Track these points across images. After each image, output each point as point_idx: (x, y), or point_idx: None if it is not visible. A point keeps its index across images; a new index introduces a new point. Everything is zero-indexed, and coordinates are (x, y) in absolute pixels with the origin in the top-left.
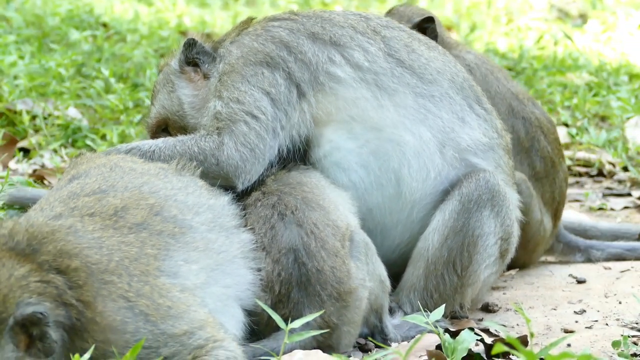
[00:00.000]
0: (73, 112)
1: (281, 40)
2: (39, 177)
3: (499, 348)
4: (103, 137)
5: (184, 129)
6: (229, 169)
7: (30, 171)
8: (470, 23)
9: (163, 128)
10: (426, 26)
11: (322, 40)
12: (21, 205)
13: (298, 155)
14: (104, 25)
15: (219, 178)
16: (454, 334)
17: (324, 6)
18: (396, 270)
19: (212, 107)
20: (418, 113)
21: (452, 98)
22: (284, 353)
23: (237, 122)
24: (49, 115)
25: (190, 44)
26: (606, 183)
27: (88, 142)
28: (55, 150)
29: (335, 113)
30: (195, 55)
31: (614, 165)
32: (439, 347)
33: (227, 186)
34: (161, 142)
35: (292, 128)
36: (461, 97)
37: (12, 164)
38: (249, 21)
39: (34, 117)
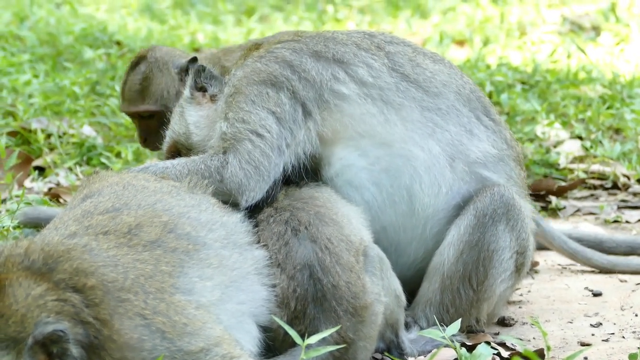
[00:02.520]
0: (88, 130)
1: (284, 59)
2: (54, 196)
3: None
4: (118, 155)
5: (190, 150)
6: (232, 185)
7: (45, 189)
8: (483, 37)
9: (176, 155)
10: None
11: (325, 58)
12: (36, 224)
13: (303, 174)
14: (118, 43)
15: (223, 195)
16: (470, 348)
17: (336, 22)
18: (412, 287)
19: (218, 128)
20: (426, 127)
21: (459, 110)
22: None
23: (242, 141)
24: (64, 133)
25: (199, 70)
26: (621, 195)
27: (103, 160)
28: (70, 169)
29: (342, 130)
30: (204, 81)
31: (628, 177)
32: None
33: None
34: (170, 162)
35: (297, 146)
36: (468, 109)
37: (27, 183)
38: (260, 41)
39: (48, 136)
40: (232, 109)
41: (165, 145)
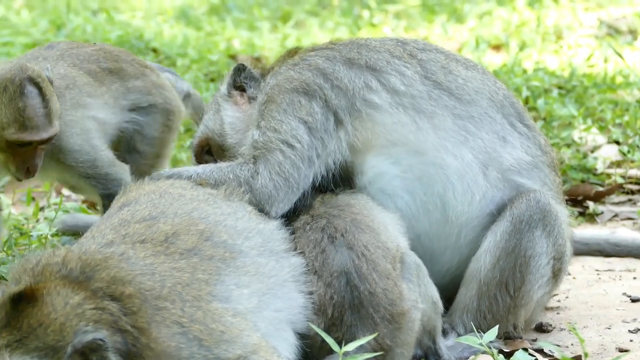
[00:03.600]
0: None
1: (317, 67)
2: (91, 204)
3: None
4: None
5: (222, 150)
6: (261, 197)
7: (83, 197)
8: (520, 41)
9: (207, 150)
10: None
11: (358, 65)
12: (74, 232)
13: (334, 182)
14: (154, 50)
15: (252, 205)
16: (508, 355)
17: (372, 27)
18: (448, 294)
19: (250, 136)
20: (458, 135)
21: (492, 117)
22: None
23: (272, 151)
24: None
25: (239, 69)
26: None
27: None
28: None
29: (373, 139)
30: (243, 80)
31: None
32: None
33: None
34: (200, 168)
35: (327, 156)
36: (501, 116)
37: (65, 191)
38: (295, 49)
39: None
40: (264, 117)
41: (195, 140)
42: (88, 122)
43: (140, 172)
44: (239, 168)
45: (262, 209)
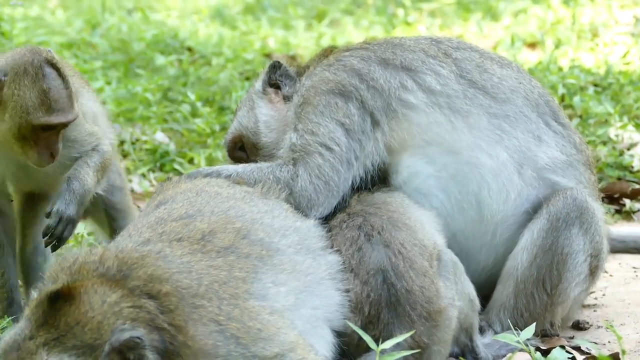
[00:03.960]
0: (160, 137)
1: (352, 68)
2: None
3: None
4: (190, 160)
5: (256, 148)
6: (301, 199)
7: None
8: (555, 39)
9: (240, 146)
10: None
11: (393, 65)
12: None
13: (371, 185)
14: (189, 49)
15: (292, 206)
16: (545, 353)
17: (406, 25)
18: (484, 292)
19: (288, 139)
20: (493, 134)
21: (527, 116)
22: None
23: (311, 154)
24: (137, 140)
25: (275, 66)
26: None
27: (176, 166)
28: (143, 175)
29: (409, 139)
30: (279, 77)
31: None
32: None
33: None
34: (240, 167)
35: (365, 158)
36: (536, 115)
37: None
38: (330, 49)
39: (122, 142)
40: (301, 119)
41: (229, 136)
42: None
43: None
44: (278, 169)
45: (301, 212)
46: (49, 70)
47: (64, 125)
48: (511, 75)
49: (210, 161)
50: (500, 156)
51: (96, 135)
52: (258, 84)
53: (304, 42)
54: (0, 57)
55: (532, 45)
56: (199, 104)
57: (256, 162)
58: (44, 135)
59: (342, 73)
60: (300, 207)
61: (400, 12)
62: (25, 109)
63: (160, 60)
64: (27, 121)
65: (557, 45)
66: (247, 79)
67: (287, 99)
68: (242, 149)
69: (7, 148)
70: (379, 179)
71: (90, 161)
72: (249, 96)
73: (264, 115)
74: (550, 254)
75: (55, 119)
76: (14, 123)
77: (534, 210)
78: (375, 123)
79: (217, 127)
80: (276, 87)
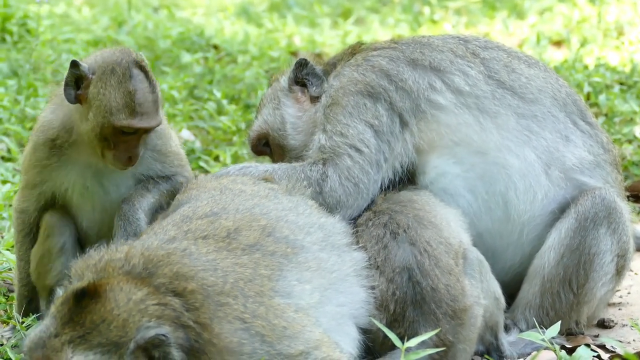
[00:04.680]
0: (186, 134)
1: (381, 69)
2: None
3: None
4: (216, 158)
5: (282, 148)
6: (330, 200)
7: None
8: (581, 37)
9: (264, 142)
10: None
11: (422, 66)
12: None
13: (403, 186)
14: (215, 47)
15: (321, 206)
16: (570, 351)
17: (432, 23)
18: (510, 291)
19: (316, 140)
20: (521, 135)
21: (555, 116)
22: None
23: (341, 156)
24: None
25: (302, 64)
26: None
27: (201, 163)
28: None
29: (437, 140)
30: (305, 75)
31: None
32: None
33: None
34: (271, 167)
35: (394, 159)
36: (564, 115)
37: None
38: (357, 46)
39: None
40: (330, 121)
41: (254, 133)
42: None
43: None
44: (309, 169)
45: (330, 212)
46: (136, 72)
47: (146, 130)
48: (539, 75)
49: (236, 159)
50: (528, 157)
51: (181, 159)
52: (283, 81)
53: (330, 40)
54: (91, 56)
55: (558, 44)
56: (224, 102)
57: (283, 162)
58: (125, 139)
59: (371, 74)
60: (329, 207)
61: (426, 10)
62: (109, 110)
63: (186, 58)
64: (109, 122)
65: (583, 43)
66: (272, 76)
67: (313, 99)
68: (267, 145)
69: (86, 152)
70: (408, 179)
71: (158, 189)
72: (274, 93)
73: (291, 116)
74: (578, 254)
75: (137, 123)
76: (96, 122)
77: (561, 210)
78: (404, 124)
79: (242, 125)
80: (302, 85)
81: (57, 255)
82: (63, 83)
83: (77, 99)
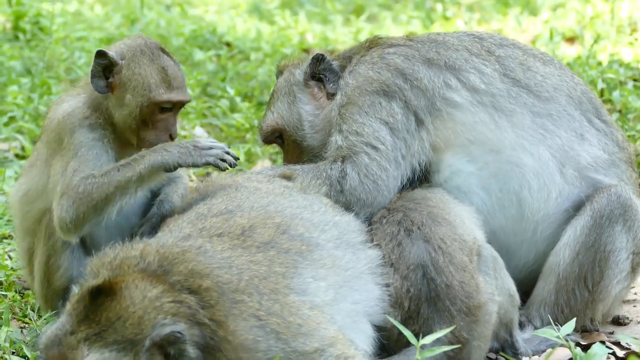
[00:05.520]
0: (199, 132)
1: (396, 67)
2: None
3: None
4: None
5: (298, 146)
6: (351, 198)
7: None
8: (594, 34)
9: (277, 135)
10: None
11: (437, 65)
12: None
13: (417, 184)
14: (228, 44)
15: (343, 205)
16: (585, 348)
17: (445, 20)
18: (524, 288)
19: (333, 141)
20: (536, 133)
21: (571, 115)
22: None
23: (358, 154)
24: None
25: (319, 59)
26: None
27: None
28: None
29: (453, 138)
30: (322, 71)
31: None
32: None
33: None
34: (293, 167)
35: (412, 157)
36: (580, 113)
37: None
38: (374, 41)
39: None
40: (345, 121)
41: (268, 128)
42: None
43: None
44: (329, 167)
45: (350, 210)
46: (161, 52)
47: (182, 104)
48: (554, 73)
49: (249, 156)
50: (543, 155)
51: None
52: (298, 75)
53: (342, 37)
54: (112, 47)
55: (571, 40)
56: (237, 99)
57: (299, 160)
58: (162, 117)
59: (386, 72)
60: (350, 206)
61: (438, 6)
62: (148, 86)
63: (199, 55)
64: (149, 99)
65: (596, 39)
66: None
67: (330, 95)
68: (279, 137)
69: (118, 144)
70: (423, 178)
71: (179, 191)
72: (288, 87)
73: (309, 114)
74: (593, 251)
75: (175, 96)
76: (136, 103)
77: (575, 208)
78: (419, 122)
79: (255, 122)
80: (318, 80)
81: (61, 250)
82: (89, 76)
83: (107, 88)
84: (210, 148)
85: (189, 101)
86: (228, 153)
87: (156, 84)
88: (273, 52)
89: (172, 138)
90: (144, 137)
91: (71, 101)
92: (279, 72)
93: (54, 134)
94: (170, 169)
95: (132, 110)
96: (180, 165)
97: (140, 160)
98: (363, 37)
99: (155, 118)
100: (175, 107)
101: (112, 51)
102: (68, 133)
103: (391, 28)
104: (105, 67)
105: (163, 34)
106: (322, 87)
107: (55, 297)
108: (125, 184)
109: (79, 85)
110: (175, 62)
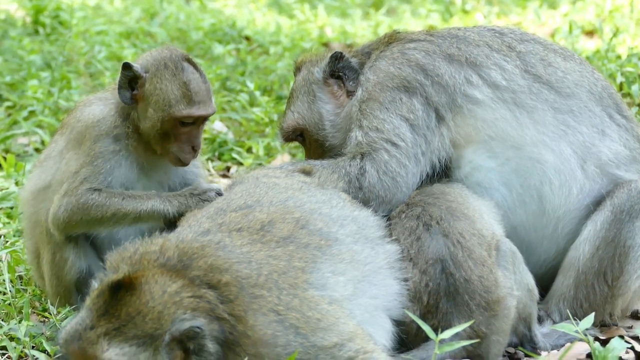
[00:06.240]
0: (219, 126)
1: (417, 63)
2: None
3: None
4: (249, 150)
5: (320, 145)
6: (369, 195)
7: None
8: (613, 27)
9: (298, 134)
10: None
11: (458, 61)
12: None
13: (436, 180)
14: (247, 38)
15: (361, 201)
16: (603, 342)
17: (464, 14)
18: (544, 283)
19: (353, 137)
20: (557, 129)
21: (592, 110)
22: None
23: (377, 150)
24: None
25: (337, 57)
26: None
27: (234, 155)
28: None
29: (474, 134)
30: (341, 69)
31: None
32: (589, 355)
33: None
34: (313, 162)
35: (432, 154)
36: (600, 109)
37: None
38: (393, 36)
39: None
40: (366, 116)
41: (289, 128)
42: None
43: None
44: (348, 164)
45: (368, 206)
46: (186, 64)
47: (205, 118)
48: (575, 69)
49: (269, 150)
50: (564, 152)
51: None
52: (317, 73)
53: (361, 31)
54: (140, 58)
55: (590, 33)
56: (257, 93)
57: (321, 158)
58: (185, 130)
59: (407, 68)
60: (368, 202)
61: (457, 0)
62: (168, 102)
63: (218, 49)
64: (170, 114)
65: (615, 33)
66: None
67: (349, 93)
68: (300, 135)
69: (142, 152)
70: (443, 173)
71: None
72: (307, 86)
73: (329, 113)
74: (613, 246)
75: (196, 111)
76: (157, 117)
77: (596, 204)
78: (440, 118)
79: (275, 116)
80: (337, 78)
81: (65, 244)
82: (116, 86)
83: (132, 100)
84: (205, 192)
85: (211, 114)
86: (220, 194)
87: (176, 99)
88: (292, 46)
89: (194, 150)
90: (167, 148)
91: (102, 107)
92: (297, 69)
93: (79, 135)
94: (170, 218)
95: (154, 123)
96: (179, 214)
97: (145, 200)
98: (382, 30)
99: (177, 131)
100: (198, 121)
101: (138, 63)
102: (92, 139)
103: (410, 21)
104: (131, 79)
105: (182, 28)
106: (342, 85)
107: (67, 293)
108: (123, 215)
109: (111, 88)
110: (201, 74)
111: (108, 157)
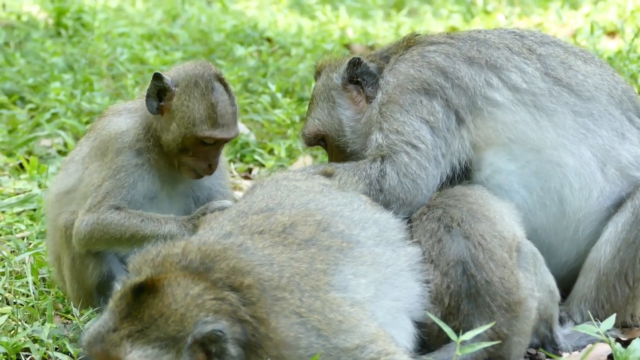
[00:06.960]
0: (241, 128)
1: (437, 66)
2: None
3: None
4: (271, 151)
5: (342, 151)
6: (390, 197)
7: None
8: (635, 27)
9: (320, 139)
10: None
11: (478, 64)
12: None
13: (457, 182)
14: (269, 40)
15: (382, 204)
16: (625, 344)
17: (486, 15)
18: (565, 285)
19: (373, 139)
20: (577, 133)
21: (612, 114)
22: None
23: (397, 153)
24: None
25: (355, 63)
26: None
27: (256, 157)
28: None
29: (494, 137)
30: (360, 74)
31: None
32: (610, 356)
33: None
34: (342, 165)
35: (452, 156)
36: (620, 112)
37: None
38: (412, 39)
39: None
40: (386, 119)
41: (310, 134)
42: None
43: None
44: (369, 167)
45: (389, 209)
46: (217, 85)
47: (226, 140)
48: (595, 72)
49: (290, 152)
50: (584, 155)
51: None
52: (336, 79)
53: (383, 32)
54: (172, 69)
55: (612, 34)
56: (278, 95)
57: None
58: (205, 149)
59: (427, 71)
60: (389, 205)
61: (479, 0)
62: (192, 121)
63: (240, 51)
64: (192, 133)
65: (637, 33)
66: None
67: (369, 98)
68: (322, 140)
69: (164, 164)
70: (463, 176)
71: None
72: (327, 92)
73: (349, 119)
74: (634, 248)
75: (219, 134)
76: (179, 133)
77: (616, 206)
78: (460, 121)
79: (297, 118)
80: (356, 83)
81: (85, 254)
82: (145, 94)
83: (158, 110)
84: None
85: (233, 137)
86: None
87: (201, 119)
88: (314, 47)
89: (211, 168)
90: (184, 161)
91: (128, 118)
92: (317, 73)
93: (103, 144)
94: None
95: (175, 137)
96: None
97: (163, 224)
98: (404, 32)
99: (197, 149)
100: (219, 142)
101: (169, 75)
102: (115, 152)
103: (431, 22)
104: (160, 90)
105: (204, 30)
106: (361, 90)
107: (89, 297)
108: (141, 237)
109: (140, 96)
110: (230, 95)
111: (131, 170)
